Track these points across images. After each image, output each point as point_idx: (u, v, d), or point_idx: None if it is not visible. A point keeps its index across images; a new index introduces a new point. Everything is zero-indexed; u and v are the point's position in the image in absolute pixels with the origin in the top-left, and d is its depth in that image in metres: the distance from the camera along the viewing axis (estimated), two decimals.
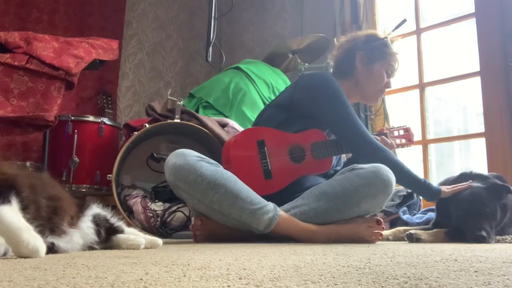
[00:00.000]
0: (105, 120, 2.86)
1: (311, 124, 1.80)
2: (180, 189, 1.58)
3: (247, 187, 1.57)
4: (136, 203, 2.41)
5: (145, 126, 2.50)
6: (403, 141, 2.06)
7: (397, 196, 2.45)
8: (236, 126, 2.57)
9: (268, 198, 1.59)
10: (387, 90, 2.00)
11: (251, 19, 4.31)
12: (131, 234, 1.30)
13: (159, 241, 1.34)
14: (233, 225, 1.56)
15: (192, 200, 1.58)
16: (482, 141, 2.89)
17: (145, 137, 2.54)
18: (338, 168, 1.96)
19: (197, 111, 2.80)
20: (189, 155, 1.59)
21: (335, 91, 1.79)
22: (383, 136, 1.95)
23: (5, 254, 0.93)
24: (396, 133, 2.07)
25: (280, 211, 1.55)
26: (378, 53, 1.92)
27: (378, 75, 1.92)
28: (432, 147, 3.39)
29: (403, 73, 3.61)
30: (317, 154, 1.78)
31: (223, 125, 2.55)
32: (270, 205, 1.55)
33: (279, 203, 1.61)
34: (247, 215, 1.52)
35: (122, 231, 1.28)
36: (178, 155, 1.59)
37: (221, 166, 1.62)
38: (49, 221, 1.02)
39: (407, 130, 2.08)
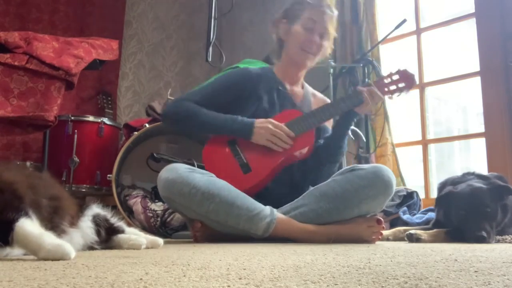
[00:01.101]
0: (105, 120, 2.86)
1: (243, 109, 1.79)
2: (175, 203, 1.57)
3: (242, 194, 1.56)
4: (136, 203, 2.41)
5: (145, 126, 2.50)
6: (402, 85, 1.76)
7: (397, 196, 2.45)
8: None
9: (266, 201, 1.58)
10: (313, 51, 1.85)
11: (251, 19, 4.31)
12: (132, 234, 1.30)
13: (160, 241, 1.34)
14: (231, 232, 1.56)
15: (188, 212, 1.57)
16: (482, 141, 2.89)
17: (145, 137, 2.54)
18: (326, 138, 1.86)
19: None
20: (180, 169, 1.58)
21: (220, 77, 1.89)
22: (367, 87, 1.75)
23: (6, 255, 0.93)
24: (388, 80, 1.78)
25: (278, 214, 1.54)
26: (293, 13, 1.87)
27: (295, 34, 1.85)
28: (432, 147, 3.39)
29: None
30: (295, 130, 1.73)
31: None
32: (267, 210, 1.54)
33: (276, 205, 1.60)
34: (244, 222, 1.51)
35: (122, 231, 1.28)
36: (170, 170, 1.59)
37: (214, 175, 1.61)
38: (50, 221, 1.02)
39: (403, 72, 1.77)
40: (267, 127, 1.69)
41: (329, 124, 1.93)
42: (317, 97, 1.99)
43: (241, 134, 1.72)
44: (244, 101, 1.82)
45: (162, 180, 1.58)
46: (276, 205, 1.62)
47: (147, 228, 2.30)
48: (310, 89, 2.02)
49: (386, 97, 1.78)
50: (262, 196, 1.66)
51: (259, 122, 1.71)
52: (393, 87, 1.77)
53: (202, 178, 1.56)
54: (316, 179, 1.80)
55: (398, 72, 1.78)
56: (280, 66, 1.94)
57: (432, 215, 2.14)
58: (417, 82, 1.80)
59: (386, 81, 1.78)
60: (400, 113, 3.50)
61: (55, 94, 2.29)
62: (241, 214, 1.51)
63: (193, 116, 1.73)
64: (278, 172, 1.74)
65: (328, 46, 1.89)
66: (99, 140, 2.81)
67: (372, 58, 3.16)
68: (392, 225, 2.31)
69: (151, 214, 2.34)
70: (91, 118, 2.85)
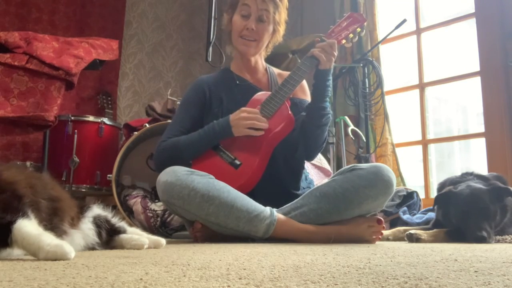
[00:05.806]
0: (105, 120, 2.86)
1: (214, 115, 1.80)
2: (175, 206, 1.55)
3: (242, 196, 1.55)
4: (136, 203, 2.41)
5: (145, 126, 2.50)
6: (355, 26, 1.79)
7: (397, 196, 2.45)
8: None
9: (263, 201, 1.58)
10: (250, 37, 1.82)
11: None
12: (134, 234, 1.30)
13: (163, 240, 1.33)
14: (231, 234, 1.55)
15: (188, 215, 1.56)
16: (482, 141, 2.89)
17: (145, 137, 2.54)
18: (307, 104, 1.83)
19: None
20: (179, 171, 1.57)
21: (182, 99, 1.94)
22: (318, 39, 1.77)
23: (7, 256, 0.93)
24: (339, 28, 1.79)
25: (278, 215, 1.53)
26: (233, 2, 1.87)
27: (234, 23, 1.86)
28: (432, 147, 3.39)
29: (403, 73, 3.62)
30: (268, 112, 1.71)
31: None
32: (267, 211, 1.53)
33: (276, 203, 1.60)
34: (244, 223, 1.50)
35: (124, 232, 1.28)
36: (169, 173, 1.58)
37: (214, 177, 1.60)
38: (49, 222, 1.01)
39: (349, 16, 1.80)
40: (242, 116, 1.69)
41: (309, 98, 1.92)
42: (283, 76, 1.97)
43: (224, 134, 1.71)
44: (209, 107, 1.84)
45: (162, 184, 1.57)
46: (281, 193, 1.67)
47: (147, 228, 2.30)
48: (275, 70, 2.02)
49: (342, 43, 1.81)
50: (264, 188, 1.67)
51: (233, 115, 1.71)
52: (346, 32, 1.80)
53: (201, 180, 1.55)
54: (308, 147, 1.79)
55: (347, 17, 1.82)
56: (235, 61, 1.96)
57: (432, 215, 2.14)
58: (365, 18, 1.83)
59: (338, 29, 1.80)
60: (400, 113, 3.50)
61: (55, 94, 2.29)
62: (241, 216, 1.50)
63: (176, 149, 1.73)
64: (269, 155, 1.73)
65: (276, 30, 1.88)
66: (99, 140, 2.82)
67: (372, 58, 3.16)
68: (392, 225, 2.31)
69: (151, 214, 2.34)
70: (91, 118, 2.85)
